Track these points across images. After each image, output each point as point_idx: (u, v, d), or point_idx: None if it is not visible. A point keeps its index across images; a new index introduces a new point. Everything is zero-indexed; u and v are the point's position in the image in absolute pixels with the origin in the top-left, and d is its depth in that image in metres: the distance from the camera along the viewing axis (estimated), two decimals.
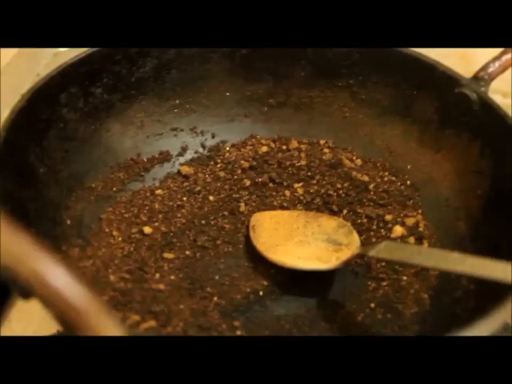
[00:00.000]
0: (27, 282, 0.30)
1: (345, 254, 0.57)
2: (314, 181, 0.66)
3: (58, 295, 0.30)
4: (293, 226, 0.61)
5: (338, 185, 0.65)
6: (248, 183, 0.66)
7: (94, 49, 0.61)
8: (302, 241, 0.60)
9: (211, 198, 0.64)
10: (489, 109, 0.59)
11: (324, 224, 0.61)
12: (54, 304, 0.31)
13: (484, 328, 0.44)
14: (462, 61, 0.85)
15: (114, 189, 0.63)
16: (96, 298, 0.29)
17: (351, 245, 0.58)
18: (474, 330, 0.42)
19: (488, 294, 0.47)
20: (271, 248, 0.59)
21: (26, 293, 0.36)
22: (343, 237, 0.59)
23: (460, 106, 0.61)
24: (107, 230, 0.60)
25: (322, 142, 0.69)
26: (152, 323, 0.51)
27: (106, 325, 0.29)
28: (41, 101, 0.57)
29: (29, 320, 0.60)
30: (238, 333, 0.53)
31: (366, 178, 0.65)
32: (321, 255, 0.58)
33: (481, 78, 0.60)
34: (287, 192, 0.65)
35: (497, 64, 0.60)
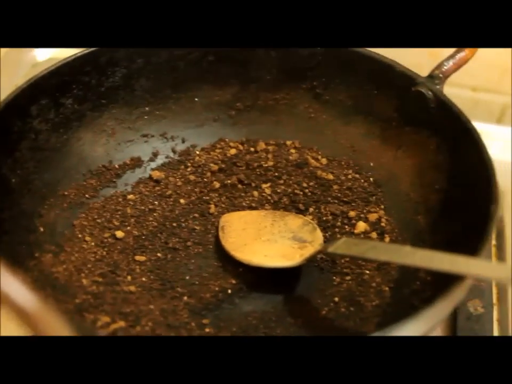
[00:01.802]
0: None
1: (309, 250, 0.59)
2: (282, 181, 0.68)
3: (11, 301, 0.32)
4: (261, 226, 0.63)
5: (304, 184, 0.67)
6: (217, 185, 0.68)
7: (63, 61, 0.63)
8: (269, 239, 0.62)
9: (182, 201, 0.66)
10: (445, 106, 0.61)
11: (290, 223, 0.63)
12: (10, 309, 0.33)
13: (431, 317, 0.46)
14: (429, 57, 0.87)
15: (87, 195, 0.65)
16: (44, 302, 0.31)
17: (315, 241, 0.60)
18: (420, 322, 0.44)
19: (443, 285, 0.49)
20: (239, 247, 0.61)
21: None
22: (307, 234, 0.61)
23: (417, 104, 0.63)
24: (80, 235, 0.62)
25: (289, 142, 0.71)
26: (121, 323, 0.53)
27: (54, 325, 0.31)
28: (12, 113, 0.60)
29: None
30: (207, 330, 0.55)
31: (330, 176, 0.68)
32: (287, 252, 0.60)
33: (436, 76, 0.62)
34: (255, 193, 0.67)
35: (451, 62, 0.62)
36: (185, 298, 0.58)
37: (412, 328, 0.45)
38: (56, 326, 0.31)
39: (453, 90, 0.65)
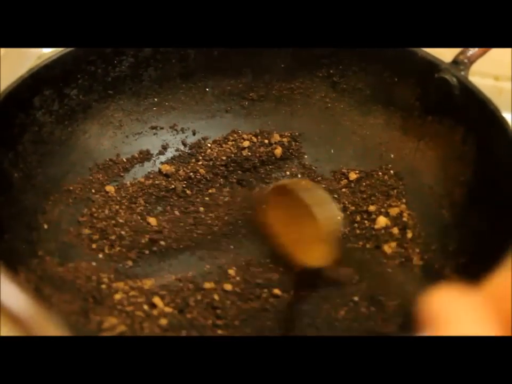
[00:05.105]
0: None
1: None
2: None
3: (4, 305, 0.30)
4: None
5: None
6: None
7: (67, 50, 0.60)
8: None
9: None
10: (470, 93, 0.58)
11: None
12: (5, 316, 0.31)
13: None
14: None
15: (93, 190, 0.62)
16: (37, 306, 0.29)
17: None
18: None
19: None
20: None
21: None
22: None
23: (440, 92, 0.60)
24: None
25: None
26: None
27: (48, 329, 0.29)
28: (14, 105, 0.56)
29: None
30: (219, 332, 0.52)
31: None
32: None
33: (461, 62, 0.59)
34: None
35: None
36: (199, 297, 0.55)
37: None
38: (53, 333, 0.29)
39: (474, 79, 0.61)
